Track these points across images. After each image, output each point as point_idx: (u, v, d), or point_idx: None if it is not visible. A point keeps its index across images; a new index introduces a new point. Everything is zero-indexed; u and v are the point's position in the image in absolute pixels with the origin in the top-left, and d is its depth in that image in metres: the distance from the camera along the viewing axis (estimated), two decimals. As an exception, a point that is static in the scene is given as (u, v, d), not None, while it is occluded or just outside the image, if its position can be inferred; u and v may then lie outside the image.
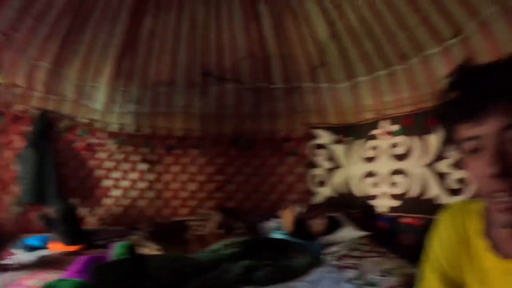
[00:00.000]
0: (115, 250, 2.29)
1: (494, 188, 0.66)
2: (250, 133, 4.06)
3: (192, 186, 4.00)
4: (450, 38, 2.63)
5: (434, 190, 2.94)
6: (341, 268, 2.50)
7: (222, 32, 3.65)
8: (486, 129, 0.66)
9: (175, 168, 4.02)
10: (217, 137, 4.04)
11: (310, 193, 3.92)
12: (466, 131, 0.69)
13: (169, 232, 3.20)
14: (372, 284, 2.12)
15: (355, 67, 3.52)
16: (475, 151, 0.69)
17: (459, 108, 0.70)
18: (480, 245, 0.78)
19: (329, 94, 3.83)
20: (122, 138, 3.92)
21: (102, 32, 3.43)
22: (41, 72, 3.36)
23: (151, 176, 3.96)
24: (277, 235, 3.08)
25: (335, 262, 2.61)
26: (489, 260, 0.75)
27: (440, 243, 0.87)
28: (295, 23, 3.51)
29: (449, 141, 0.76)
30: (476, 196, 0.76)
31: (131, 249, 2.15)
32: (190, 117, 4.03)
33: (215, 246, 2.58)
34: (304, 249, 2.75)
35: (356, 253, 2.63)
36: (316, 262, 2.65)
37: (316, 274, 2.49)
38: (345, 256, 2.62)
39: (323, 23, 3.36)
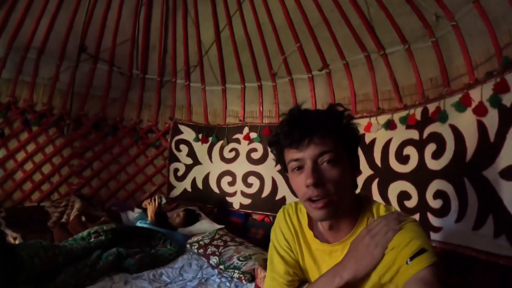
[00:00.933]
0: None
1: (310, 194, 1.00)
2: (114, 120, 3.88)
3: (47, 169, 3.59)
4: (318, 69, 3.18)
5: (283, 192, 3.39)
6: (205, 255, 2.73)
7: (109, 10, 3.46)
8: (305, 154, 1.00)
9: (31, 147, 3.55)
10: (79, 118, 3.73)
11: (168, 186, 3.96)
12: (292, 154, 1.04)
13: (27, 218, 2.80)
14: (235, 268, 2.41)
15: (229, 74, 3.80)
16: (297, 168, 1.03)
17: (288, 138, 1.03)
18: (309, 234, 1.14)
19: (199, 94, 3.98)
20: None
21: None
22: None
23: (2, 153, 3.44)
24: (141, 224, 3.08)
25: (198, 251, 2.82)
26: (315, 244, 1.13)
27: (278, 234, 1.22)
28: (184, 21, 3.58)
29: (279, 160, 1.12)
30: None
31: (0, 236, 1.89)
32: (54, 92, 3.63)
33: (82, 234, 2.45)
34: (168, 238, 2.87)
35: (217, 243, 2.85)
36: (180, 250, 2.81)
37: (181, 261, 2.66)
38: (208, 245, 2.82)
39: (211, 28, 3.53)
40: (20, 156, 3.54)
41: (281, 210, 1.25)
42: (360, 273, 0.95)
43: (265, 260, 2.39)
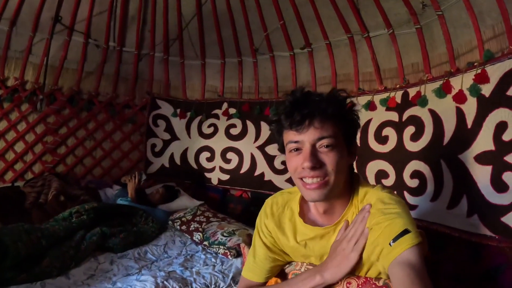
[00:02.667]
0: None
1: (305, 174, 1.04)
2: (89, 94, 3.72)
3: (20, 147, 3.42)
4: (300, 48, 3.18)
5: (262, 168, 3.43)
6: (188, 232, 2.78)
7: None
8: (305, 137, 1.03)
9: (3, 124, 3.36)
10: (53, 93, 3.54)
11: (145, 162, 3.92)
12: (291, 136, 1.06)
13: (2, 200, 2.70)
14: (220, 243, 2.47)
15: (209, 49, 3.72)
16: (295, 150, 1.06)
17: (288, 120, 1.05)
18: (299, 221, 1.17)
19: (177, 69, 3.90)
20: None
21: None
22: None
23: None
24: (122, 202, 3.06)
25: (181, 227, 2.85)
26: (307, 230, 1.15)
27: (262, 221, 1.25)
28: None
29: (277, 139, 1.15)
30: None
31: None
32: (26, 66, 3.42)
33: (63, 214, 2.40)
34: (149, 215, 2.86)
35: (199, 219, 2.89)
36: (162, 227, 2.83)
37: (165, 238, 2.69)
38: (190, 221, 2.86)
39: (192, 0, 3.40)
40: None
41: (271, 197, 1.29)
42: (339, 275, 1.02)
43: (249, 235, 2.50)
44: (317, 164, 1.00)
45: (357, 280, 1.05)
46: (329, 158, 1.01)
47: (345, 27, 2.82)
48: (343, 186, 1.09)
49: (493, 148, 1.82)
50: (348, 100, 1.09)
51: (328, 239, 1.10)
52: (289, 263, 1.25)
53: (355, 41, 2.84)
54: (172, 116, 3.91)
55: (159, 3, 3.50)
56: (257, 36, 3.40)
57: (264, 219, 1.24)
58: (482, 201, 1.85)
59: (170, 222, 2.98)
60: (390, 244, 0.92)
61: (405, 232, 0.92)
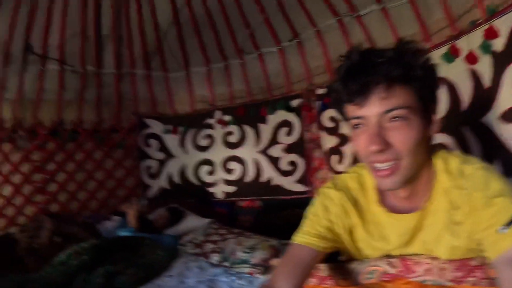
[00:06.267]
0: None
1: (374, 159, 0.84)
2: (72, 123, 3.47)
3: (7, 190, 3.14)
4: (288, 40, 3.01)
5: (268, 173, 3.26)
6: (203, 254, 2.54)
7: (53, 6, 3.02)
8: (367, 111, 0.83)
9: None
10: (34, 128, 3.29)
11: (142, 187, 3.72)
12: (352, 111, 0.87)
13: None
14: (243, 262, 2.25)
15: (191, 57, 3.53)
16: (359, 127, 0.86)
17: (345, 90, 0.85)
18: (378, 210, 0.97)
19: (162, 83, 3.70)
20: None
21: None
22: None
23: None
24: (124, 233, 2.84)
25: (194, 251, 2.62)
26: (389, 218, 0.95)
27: (335, 203, 1.01)
28: (137, 3, 3.21)
29: (340, 112, 0.94)
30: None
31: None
32: (1, 103, 3.16)
33: (60, 257, 2.17)
34: (157, 243, 2.63)
35: (213, 238, 2.68)
36: (173, 254, 2.59)
37: (179, 266, 2.44)
38: (204, 242, 2.64)
39: (168, 7, 3.21)
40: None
41: (339, 176, 1.07)
42: None
43: (272, 247, 2.29)
44: (385, 146, 0.81)
45: None
46: (400, 136, 0.82)
47: (331, 9, 2.66)
48: (423, 163, 0.90)
49: (518, 102, 1.68)
50: (421, 52, 0.86)
51: (417, 226, 0.92)
52: (359, 260, 1.03)
53: (345, 22, 2.67)
54: (164, 133, 3.71)
55: (132, 17, 3.29)
56: (241, 35, 3.22)
57: (334, 196, 1.02)
58: (517, 161, 1.70)
59: (180, 247, 2.76)
60: (498, 230, 0.74)
61: None
